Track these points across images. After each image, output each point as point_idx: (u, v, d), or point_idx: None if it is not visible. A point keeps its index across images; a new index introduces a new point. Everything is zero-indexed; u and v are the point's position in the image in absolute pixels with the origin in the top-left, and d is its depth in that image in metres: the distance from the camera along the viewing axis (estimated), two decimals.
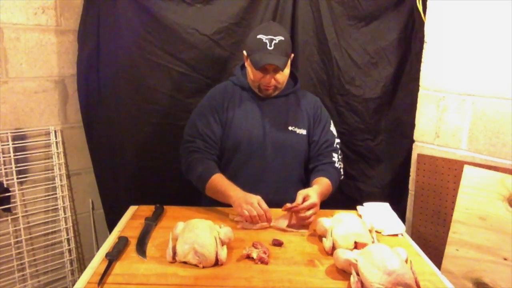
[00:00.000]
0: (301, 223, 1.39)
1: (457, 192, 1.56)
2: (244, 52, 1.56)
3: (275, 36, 1.49)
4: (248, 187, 1.45)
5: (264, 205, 1.38)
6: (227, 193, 1.45)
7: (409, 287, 0.98)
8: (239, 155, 1.59)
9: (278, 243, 1.27)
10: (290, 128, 1.61)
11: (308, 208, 1.37)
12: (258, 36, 1.49)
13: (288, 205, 1.37)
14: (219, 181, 1.50)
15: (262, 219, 1.37)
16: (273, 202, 1.42)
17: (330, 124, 1.69)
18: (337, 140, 1.68)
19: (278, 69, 1.50)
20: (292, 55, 1.56)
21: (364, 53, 1.93)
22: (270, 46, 1.47)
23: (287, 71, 1.56)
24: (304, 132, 1.63)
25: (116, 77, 1.85)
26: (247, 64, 1.56)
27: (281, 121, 1.61)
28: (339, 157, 1.67)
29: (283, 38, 1.49)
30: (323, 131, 1.66)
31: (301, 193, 1.40)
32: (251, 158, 1.58)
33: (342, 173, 1.67)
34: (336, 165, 1.63)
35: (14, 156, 1.77)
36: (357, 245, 1.20)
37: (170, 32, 1.82)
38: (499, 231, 1.44)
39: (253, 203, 1.37)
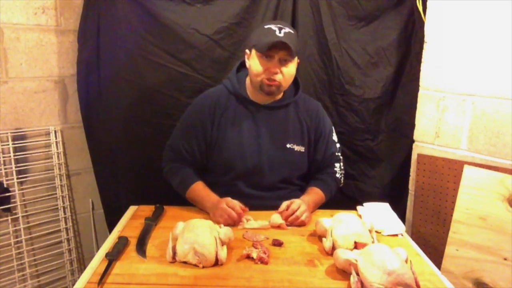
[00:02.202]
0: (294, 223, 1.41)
1: (457, 192, 1.56)
2: (247, 51, 1.49)
3: (284, 27, 1.41)
4: (245, 205, 1.43)
5: (231, 202, 1.39)
6: (203, 204, 1.48)
7: (409, 287, 0.98)
8: (233, 173, 1.54)
9: (278, 243, 1.27)
10: (288, 145, 1.54)
11: (294, 210, 1.40)
12: (267, 26, 1.42)
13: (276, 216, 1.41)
14: (197, 190, 1.51)
15: (235, 215, 1.37)
16: None
17: (332, 132, 1.64)
18: (338, 146, 1.66)
19: (286, 57, 1.40)
20: (298, 60, 1.51)
21: (364, 53, 1.93)
22: (280, 33, 1.38)
23: (293, 69, 1.45)
24: (302, 149, 1.56)
25: (116, 77, 1.85)
26: (251, 57, 1.45)
27: (279, 137, 1.54)
28: (341, 165, 1.66)
29: (292, 32, 1.42)
30: (327, 145, 1.61)
31: (285, 202, 1.43)
32: (247, 176, 1.54)
33: (342, 181, 1.67)
34: (337, 175, 1.63)
35: (14, 156, 1.77)
36: (357, 245, 1.20)
37: (170, 32, 1.82)
38: (499, 231, 1.44)
39: (221, 207, 1.39)
